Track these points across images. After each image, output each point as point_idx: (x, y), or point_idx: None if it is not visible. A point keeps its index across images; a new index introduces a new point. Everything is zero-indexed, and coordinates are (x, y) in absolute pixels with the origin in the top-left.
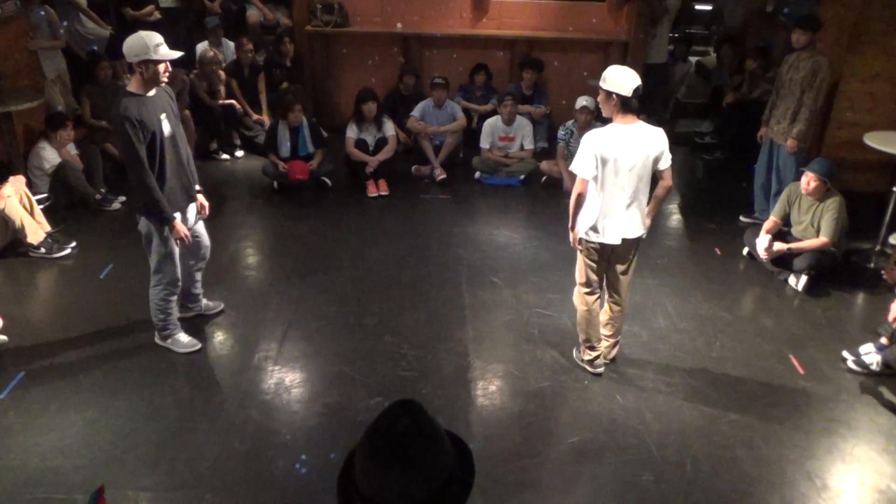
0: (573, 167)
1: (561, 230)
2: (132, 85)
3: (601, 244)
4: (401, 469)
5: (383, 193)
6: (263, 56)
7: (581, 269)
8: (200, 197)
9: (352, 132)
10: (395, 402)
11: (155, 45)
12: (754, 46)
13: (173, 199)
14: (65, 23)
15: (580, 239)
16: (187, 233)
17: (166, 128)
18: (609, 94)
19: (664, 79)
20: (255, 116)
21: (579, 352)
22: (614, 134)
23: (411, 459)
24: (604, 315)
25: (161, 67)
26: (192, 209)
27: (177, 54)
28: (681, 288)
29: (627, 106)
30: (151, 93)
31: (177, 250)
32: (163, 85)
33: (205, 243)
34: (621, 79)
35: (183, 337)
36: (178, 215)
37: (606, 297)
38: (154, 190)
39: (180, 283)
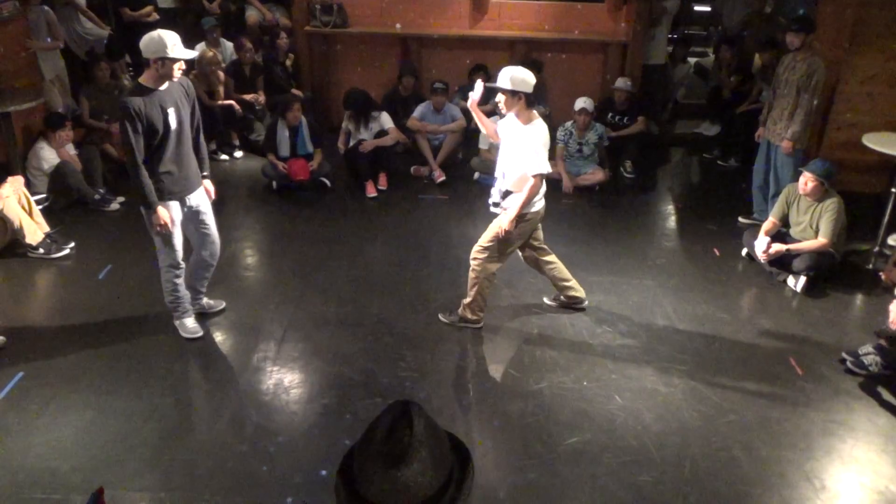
0: (544, 166)
1: (560, 230)
2: (145, 78)
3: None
4: (399, 470)
5: (382, 188)
6: (261, 55)
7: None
8: (206, 182)
9: (345, 127)
10: (393, 403)
11: (172, 44)
12: (761, 41)
13: (173, 186)
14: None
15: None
16: (167, 222)
17: (173, 120)
18: (515, 93)
19: (663, 80)
20: (251, 95)
21: (463, 313)
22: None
23: (410, 460)
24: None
25: (176, 65)
26: (199, 194)
27: (192, 54)
28: (679, 289)
29: (532, 103)
30: (163, 87)
31: (176, 234)
32: (180, 79)
33: (211, 238)
34: (526, 77)
35: (189, 322)
36: (177, 203)
37: (541, 256)
38: (141, 177)
39: (182, 266)
